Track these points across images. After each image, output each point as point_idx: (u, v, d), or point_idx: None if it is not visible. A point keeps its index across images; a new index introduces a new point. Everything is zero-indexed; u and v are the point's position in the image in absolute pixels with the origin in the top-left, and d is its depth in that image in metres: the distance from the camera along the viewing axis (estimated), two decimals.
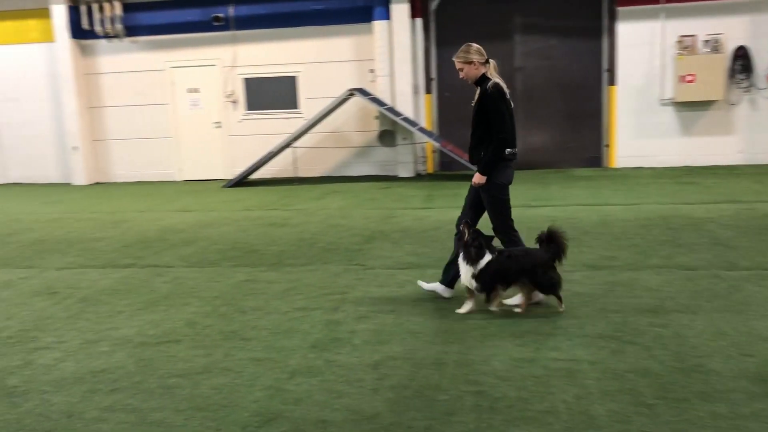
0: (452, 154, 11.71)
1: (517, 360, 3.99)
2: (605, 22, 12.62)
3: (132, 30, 13.60)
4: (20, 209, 10.86)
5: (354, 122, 13.28)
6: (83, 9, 13.37)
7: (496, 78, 4.85)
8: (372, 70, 12.93)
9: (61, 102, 13.80)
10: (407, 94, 12.67)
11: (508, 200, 4.95)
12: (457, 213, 5.27)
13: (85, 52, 13.81)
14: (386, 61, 12.62)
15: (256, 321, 4.93)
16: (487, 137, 4.83)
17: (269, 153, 12.40)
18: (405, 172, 12.84)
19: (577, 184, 11.03)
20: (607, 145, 12.87)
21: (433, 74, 13.19)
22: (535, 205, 9.05)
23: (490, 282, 4.70)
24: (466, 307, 4.83)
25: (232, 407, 3.55)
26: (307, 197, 10.89)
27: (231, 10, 13.24)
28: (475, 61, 4.85)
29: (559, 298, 4.75)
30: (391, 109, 12.17)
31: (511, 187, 5.00)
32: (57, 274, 6.56)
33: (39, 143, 14.27)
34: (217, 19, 13.26)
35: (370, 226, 8.24)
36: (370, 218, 8.79)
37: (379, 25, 12.59)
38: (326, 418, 3.39)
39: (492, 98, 4.76)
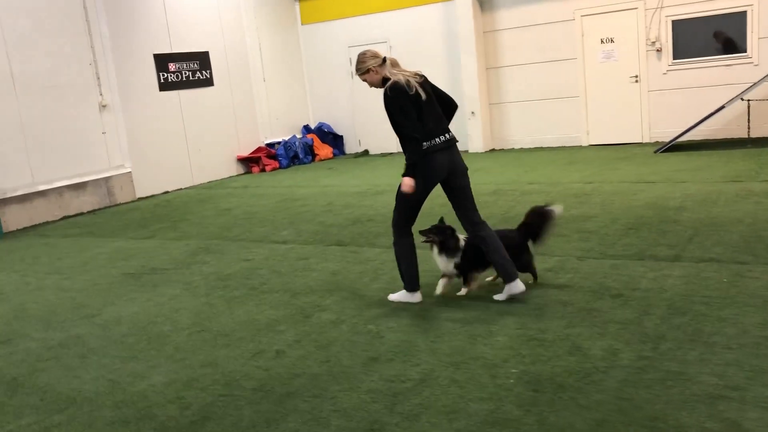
0: None
1: None
2: None
3: None
4: None
5: None
6: None
7: (397, 75, 4.52)
8: None
9: (458, 63, 13.05)
10: None
11: (411, 199, 4.48)
12: None
13: (484, 7, 12.81)
14: None
15: None
16: (400, 135, 4.55)
17: (719, 108, 10.00)
18: None
19: None
20: None
21: None
22: None
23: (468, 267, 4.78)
24: (440, 288, 4.84)
25: None
26: None
27: None
28: (371, 67, 4.58)
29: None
30: None
31: None
32: (559, 261, 5.23)
33: None
34: None
35: None
36: None
37: None
38: None
39: (390, 101, 4.47)
